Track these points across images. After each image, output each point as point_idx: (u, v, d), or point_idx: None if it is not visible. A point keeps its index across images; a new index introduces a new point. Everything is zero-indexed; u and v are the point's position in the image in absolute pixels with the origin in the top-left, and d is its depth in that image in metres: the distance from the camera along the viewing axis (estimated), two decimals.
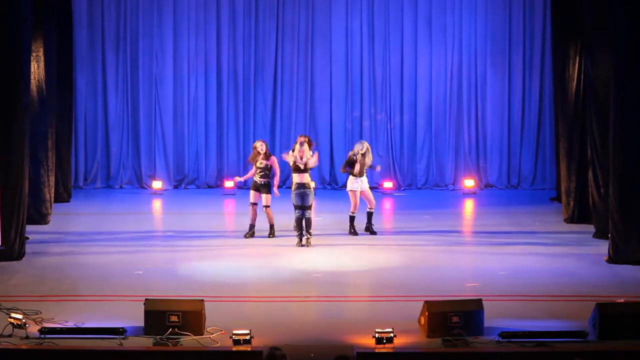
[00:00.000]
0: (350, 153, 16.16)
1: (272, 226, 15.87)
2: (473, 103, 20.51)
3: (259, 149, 15.85)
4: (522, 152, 20.56)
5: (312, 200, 15.33)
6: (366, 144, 16.14)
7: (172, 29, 20.26)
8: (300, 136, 15.83)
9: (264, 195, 15.77)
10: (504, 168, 20.58)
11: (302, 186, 15.24)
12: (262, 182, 15.80)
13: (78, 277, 13.42)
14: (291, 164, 15.32)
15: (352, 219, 16.06)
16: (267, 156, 15.86)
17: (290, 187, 15.56)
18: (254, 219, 15.87)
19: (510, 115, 20.51)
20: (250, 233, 15.86)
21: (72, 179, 19.63)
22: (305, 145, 15.37)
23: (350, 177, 16.06)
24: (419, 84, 20.50)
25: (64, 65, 18.45)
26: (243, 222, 16.21)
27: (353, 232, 16.01)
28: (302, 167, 15.22)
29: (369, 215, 16.14)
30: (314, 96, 20.53)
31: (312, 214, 15.43)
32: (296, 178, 15.29)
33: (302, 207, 15.21)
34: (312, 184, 15.47)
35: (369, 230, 16.10)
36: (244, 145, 20.55)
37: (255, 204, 15.82)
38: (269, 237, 15.79)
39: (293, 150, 15.46)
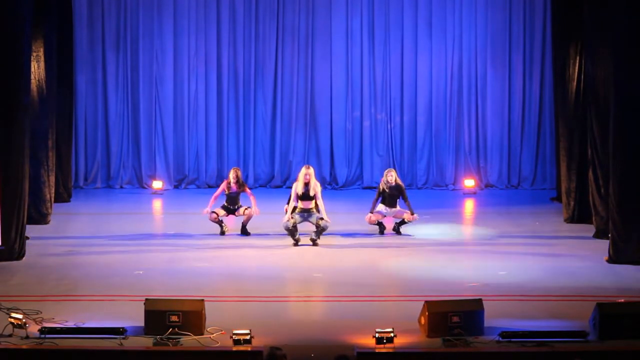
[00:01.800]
0: (381, 183, 16.18)
1: (244, 225, 15.98)
2: (473, 103, 20.52)
3: (231, 178, 15.91)
4: (522, 152, 20.57)
5: (319, 218, 15.30)
6: (394, 174, 16.13)
7: (172, 29, 20.27)
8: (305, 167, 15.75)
9: (244, 211, 15.92)
10: (504, 168, 20.59)
11: (307, 210, 15.34)
12: (235, 207, 15.98)
13: (78, 277, 13.41)
14: (300, 192, 15.33)
15: (379, 224, 16.11)
16: (240, 185, 15.93)
17: (291, 187, 15.59)
18: (218, 219, 15.93)
19: (510, 115, 20.52)
20: (224, 229, 15.95)
21: (72, 179, 19.64)
22: (311, 170, 15.45)
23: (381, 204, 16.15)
24: (419, 83, 20.51)
25: (64, 65, 18.45)
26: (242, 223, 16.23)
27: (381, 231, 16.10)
28: (310, 194, 15.30)
29: (402, 222, 16.12)
30: (314, 96, 20.54)
31: (326, 219, 15.41)
32: (302, 204, 15.37)
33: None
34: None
35: (396, 230, 16.10)
36: (244, 145, 20.56)
37: (215, 213, 15.89)
38: (242, 233, 15.95)
39: (297, 180, 15.52)
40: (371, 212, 16.02)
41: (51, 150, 17.09)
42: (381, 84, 20.52)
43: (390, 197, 16.04)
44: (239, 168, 16.53)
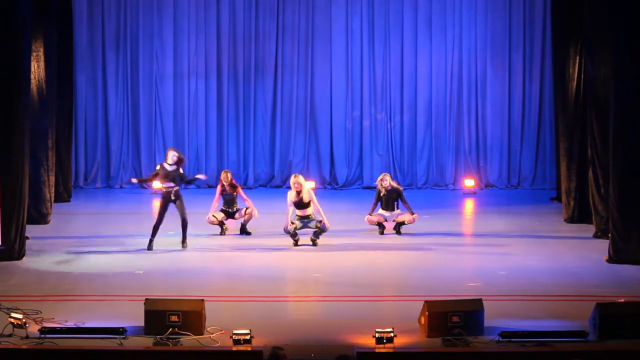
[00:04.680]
0: (378, 185, 16.22)
1: (244, 225, 16.03)
2: (473, 103, 20.54)
3: (223, 181, 15.92)
4: (522, 152, 20.59)
5: (318, 221, 15.30)
6: (388, 179, 16.14)
7: (172, 29, 20.28)
8: (293, 176, 15.69)
9: (245, 211, 15.91)
10: (504, 168, 20.61)
11: (305, 217, 15.35)
12: (233, 210, 16.02)
13: (78, 277, 13.41)
14: (294, 201, 15.32)
15: (378, 224, 16.14)
16: (232, 187, 15.94)
17: (290, 187, 15.60)
18: (218, 221, 15.96)
19: (510, 115, 20.54)
20: (224, 229, 16.00)
21: (72, 178, 19.67)
22: (300, 177, 15.44)
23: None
24: (419, 83, 20.53)
25: (64, 65, 18.47)
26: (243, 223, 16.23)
27: (381, 231, 16.14)
28: (304, 200, 15.28)
29: (402, 222, 16.12)
30: (314, 96, 20.55)
31: (327, 223, 15.40)
32: (298, 212, 15.39)
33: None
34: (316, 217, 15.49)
35: (396, 230, 16.13)
36: (244, 145, 20.57)
37: (214, 217, 15.94)
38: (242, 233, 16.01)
39: (290, 188, 15.52)
40: (370, 215, 16.07)
41: (51, 150, 17.09)
42: (381, 84, 20.53)
43: (388, 200, 16.07)
44: (229, 170, 16.49)
